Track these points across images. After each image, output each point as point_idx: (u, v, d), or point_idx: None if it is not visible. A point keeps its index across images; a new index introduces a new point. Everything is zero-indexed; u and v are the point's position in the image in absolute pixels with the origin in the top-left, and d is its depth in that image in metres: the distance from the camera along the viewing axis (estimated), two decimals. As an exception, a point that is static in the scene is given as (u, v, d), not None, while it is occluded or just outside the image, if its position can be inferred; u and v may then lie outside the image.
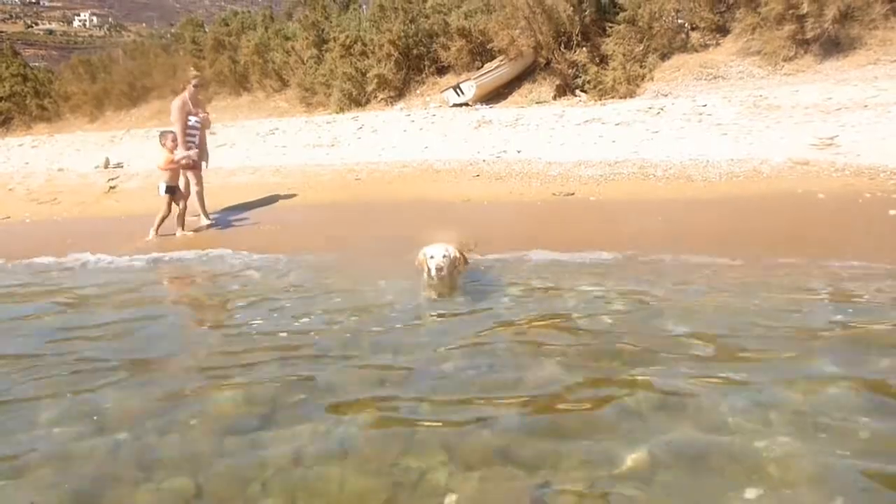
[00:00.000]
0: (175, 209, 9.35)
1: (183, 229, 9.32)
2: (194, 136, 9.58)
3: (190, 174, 9.55)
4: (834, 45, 12.44)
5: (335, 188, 10.89)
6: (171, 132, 9.33)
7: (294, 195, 10.88)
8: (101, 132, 19.26)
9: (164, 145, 9.27)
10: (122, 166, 14.46)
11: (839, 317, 4.32)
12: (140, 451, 3.11)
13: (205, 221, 9.65)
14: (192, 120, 9.51)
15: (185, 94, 9.55)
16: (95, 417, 3.46)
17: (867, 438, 2.85)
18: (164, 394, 3.70)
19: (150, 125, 19.38)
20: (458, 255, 5.01)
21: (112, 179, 13.41)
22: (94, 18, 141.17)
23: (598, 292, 5.17)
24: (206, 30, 23.10)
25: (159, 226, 9.22)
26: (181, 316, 5.80)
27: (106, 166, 14.52)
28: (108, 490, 2.86)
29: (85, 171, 14.46)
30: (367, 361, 4.02)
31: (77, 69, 23.37)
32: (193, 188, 9.60)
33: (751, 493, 2.52)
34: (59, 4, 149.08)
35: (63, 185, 13.55)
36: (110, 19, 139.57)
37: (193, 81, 9.76)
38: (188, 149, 9.36)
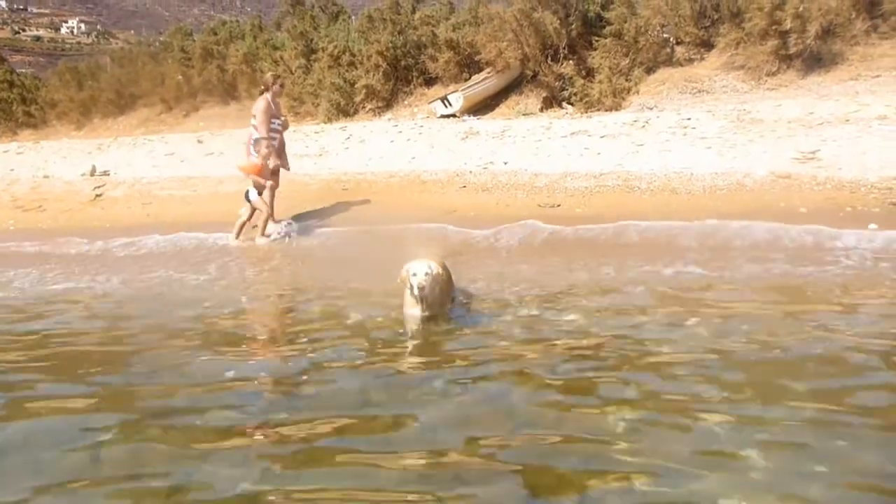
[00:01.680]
0: (247, 213, 9.18)
1: (238, 237, 9.17)
2: (275, 139, 9.35)
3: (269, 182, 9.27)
4: (816, 61, 12.63)
5: (322, 198, 10.91)
6: (265, 139, 9.10)
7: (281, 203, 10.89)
8: (88, 140, 19.15)
9: (257, 151, 9.05)
10: (108, 174, 14.39)
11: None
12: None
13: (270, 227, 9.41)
14: (275, 123, 9.29)
15: (268, 96, 9.32)
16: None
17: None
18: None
19: (138, 133, 19.31)
20: (441, 271, 4.86)
21: (98, 187, 13.35)
22: (83, 25, 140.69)
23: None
24: (195, 38, 23.06)
25: (265, 227, 9.10)
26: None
27: (92, 174, 14.44)
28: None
29: (71, 178, 14.39)
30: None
31: (64, 76, 23.23)
32: (267, 193, 9.32)
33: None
34: (47, 11, 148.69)
35: (48, 193, 13.47)
36: (98, 26, 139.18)
37: (276, 83, 9.52)
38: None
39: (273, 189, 9.22)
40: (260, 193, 9.09)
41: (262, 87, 9.64)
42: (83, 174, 14.52)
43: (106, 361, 4.46)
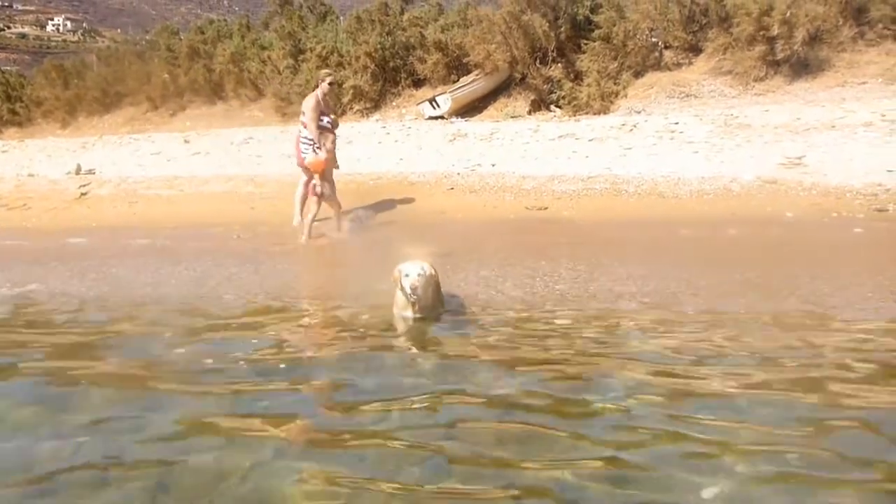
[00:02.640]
0: (314, 208, 8.85)
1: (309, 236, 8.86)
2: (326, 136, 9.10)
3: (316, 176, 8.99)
4: (803, 67, 12.71)
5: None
6: (330, 131, 8.91)
7: (269, 205, 10.84)
8: (73, 138, 19.00)
9: (323, 146, 8.76)
10: (93, 173, 14.29)
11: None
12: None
13: (297, 220, 9.30)
14: (325, 120, 9.02)
15: (318, 93, 9.07)
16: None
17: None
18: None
19: (124, 132, 19.17)
20: (433, 272, 4.86)
21: (83, 186, 13.24)
22: (68, 23, 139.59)
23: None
24: (182, 37, 22.93)
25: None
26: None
27: (77, 172, 14.33)
28: None
29: (56, 177, 14.27)
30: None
31: (50, 74, 23.01)
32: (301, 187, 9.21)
33: None
34: (33, 8, 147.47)
35: (33, 191, 13.35)
36: (84, 24, 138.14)
37: (327, 80, 9.23)
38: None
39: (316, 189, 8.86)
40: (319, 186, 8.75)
41: (315, 84, 9.43)
42: (68, 173, 14.41)
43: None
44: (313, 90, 9.37)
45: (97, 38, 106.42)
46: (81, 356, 4.32)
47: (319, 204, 8.83)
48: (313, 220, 8.77)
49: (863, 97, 11.52)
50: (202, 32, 21.89)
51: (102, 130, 20.15)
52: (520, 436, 2.89)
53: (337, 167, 9.39)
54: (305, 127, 8.96)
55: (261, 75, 18.74)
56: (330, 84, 9.23)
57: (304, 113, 9.03)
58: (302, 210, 9.32)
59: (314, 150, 8.80)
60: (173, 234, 9.64)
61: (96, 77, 22.09)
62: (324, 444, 2.90)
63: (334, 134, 9.21)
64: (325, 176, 8.83)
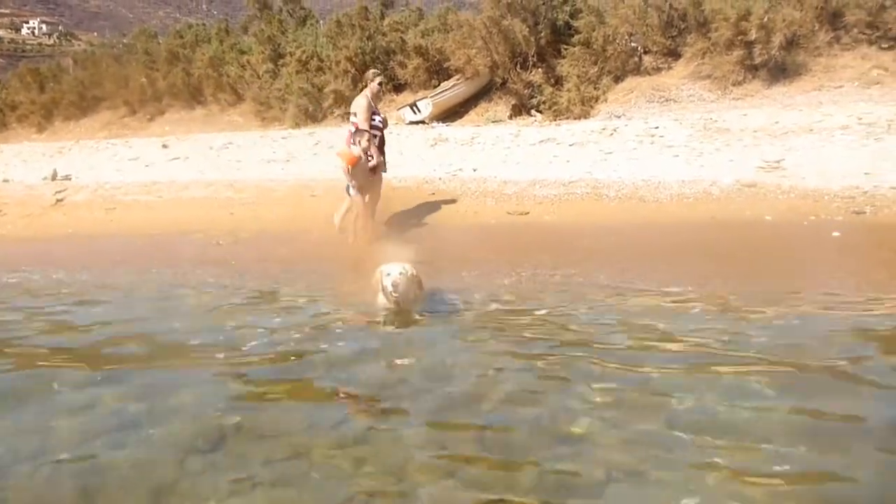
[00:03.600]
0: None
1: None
2: (376, 137, 8.85)
3: (375, 179, 8.77)
4: (781, 71, 12.82)
5: (289, 203, 10.79)
6: (366, 130, 8.56)
7: (248, 210, 10.75)
8: (50, 143, 18.80)
9: (357, 143, 8.40)
10: (70, 178, 14.11)
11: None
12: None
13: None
14: (376, 119, 8.86)
15: (368, 93, 8.93)
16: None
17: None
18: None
19: (101, 136, 18.99)
20: (414, 273, 4.87)
21: (59, 192, 13.08)
22: (44, 26, 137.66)
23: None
24: (160, 41, 22.76)
25: (360, 232, 8.44)
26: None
27: (53, 178, 14.15)
28: None
29: (32, 182, 14.09)
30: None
31: (25, 78, 22.77)
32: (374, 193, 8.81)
33: None
34: (7, 11, 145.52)
35: (8, 197, 13.16)
36: (60, 27, 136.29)
37: (377, 80, 9.08)
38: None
39: (364, 192, 8.52)
40: (359, 191, 8.44)
41: (363, 84, 9.28)
42: (44, 178, 14.22)
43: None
44: (361, 91, 9.22)
45: (73, 41, 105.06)
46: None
47: (371, 206, 8.66)
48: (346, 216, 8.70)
49: (839, 101, 11.64)
50: (181, 36, 21.75)
51: (79, 135, 19.96)
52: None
53: (385, 170, 9.11)
54: (356, 127, 8.70)
55: (240, 80, 18.64)
56: (379, 84, 9.10)
57: (354, 114, 8.85)
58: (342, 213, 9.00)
59: (351, 145, 8.55)
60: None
61: (73, 81, 21.89)
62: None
63: (380, 132, 8.97)
64: (358, 173, 8.43)
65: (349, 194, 8.58)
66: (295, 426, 3.16)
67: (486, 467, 2.74)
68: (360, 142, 8.41)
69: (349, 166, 8.30)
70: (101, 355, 4.36)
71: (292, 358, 4.25)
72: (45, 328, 5.17)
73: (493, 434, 3.02)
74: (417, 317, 4.88)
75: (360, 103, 8.83)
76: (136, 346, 4.56)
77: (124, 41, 25.50)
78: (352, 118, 8.93)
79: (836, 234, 7.41)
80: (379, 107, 9.32)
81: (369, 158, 8.45)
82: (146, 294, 6.53)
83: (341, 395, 3.66)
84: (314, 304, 5.76)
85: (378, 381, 3.75)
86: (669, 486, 2.52)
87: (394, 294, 4.69)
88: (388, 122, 9.62)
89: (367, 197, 8.50)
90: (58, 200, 12.69)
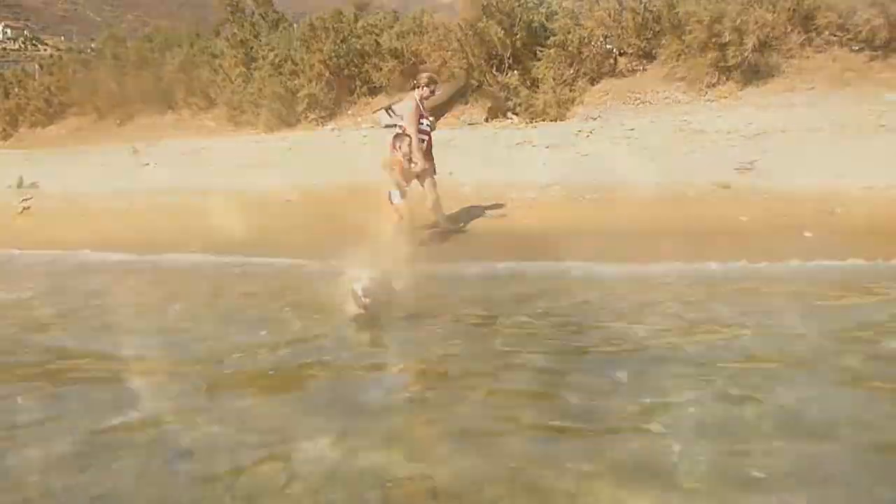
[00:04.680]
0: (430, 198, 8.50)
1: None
2: (424, 140, 8.60)
3: (427, 182, 8.62)
4: (754, 73, 12.88)
5: (261, 211, 10.62)
6: (407, 135, 8.27)
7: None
8: (15, 150, 18.45)
9: (398, 148, 8.11)
10: (37, 186, 13.81)
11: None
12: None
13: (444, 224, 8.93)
14: (424, 123, 8.60)
15: (417, 96, 8.65)
16: None
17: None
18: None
19: (69, 143, 18.65)
20: (385, 279, 4.87)
21: (25, 200, 12.80)
22: (9, 31, 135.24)
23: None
24: (129, 45, 22.41)
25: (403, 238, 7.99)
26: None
27: (19, 185, 13.84)
28: None
29: (-4, 190, 13.78)
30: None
31: (-12, 84, 22.36)
32: (430, 196, 8.72)
33: None
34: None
35: (-28, 206, 12.86)
36: (26, 32, 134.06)
37: (428, 86, 8.74)
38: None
39: (434, 192, 8.59)
40: (403, 196, 8.18)
41: (413, 84, 9.04)
42: (9, 186, 13.91)
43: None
44: (409, 91, 9.02)
45: (40, 46, 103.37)
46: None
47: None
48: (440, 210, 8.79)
49: (812, 102, 11.72)
50: (150, 40, 21.46)
51: (46, 142, 19.62)
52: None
53: (435, 172, 8.89)
54: (403, 130, 8.45)
55: (212, 84, 18.40)
56: (431, 91, 8.81)
57: (402, 117, 8.59)
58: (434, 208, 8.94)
59: (393, 150, 8.28)
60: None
61: (39, 86, 21.51)
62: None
63: (428, 136, 8.73)
64: (405, 176, 8.26)
65: (392, 202, 8.21)
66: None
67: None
68: (400, 147, 8.15)
69: (398, 172, 8.10)
70: None
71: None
72: None
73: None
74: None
75: (408, 106, 8.62)
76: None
77: (92, 45, 25.14)
78: (399, 121, 8.62)
79: (807, 234, 7.47)
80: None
81: (413, 164, 8.24)
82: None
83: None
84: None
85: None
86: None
87: (363, 298, 4.71)
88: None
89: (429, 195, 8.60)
90: (24, 209, 12.43)
